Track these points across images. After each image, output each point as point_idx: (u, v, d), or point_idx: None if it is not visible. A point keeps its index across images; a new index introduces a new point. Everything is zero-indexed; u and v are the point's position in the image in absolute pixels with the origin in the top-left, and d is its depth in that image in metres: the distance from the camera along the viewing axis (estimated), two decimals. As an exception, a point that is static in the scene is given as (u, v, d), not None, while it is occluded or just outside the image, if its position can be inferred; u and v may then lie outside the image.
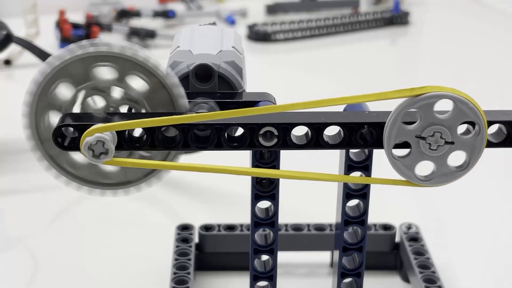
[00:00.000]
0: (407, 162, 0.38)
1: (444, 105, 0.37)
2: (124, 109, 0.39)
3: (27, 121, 0.38)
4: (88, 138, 0.36)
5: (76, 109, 0.39)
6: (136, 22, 1.29)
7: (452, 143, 0.37)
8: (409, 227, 0.56)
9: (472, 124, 0.38)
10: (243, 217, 0.54)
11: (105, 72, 0.38)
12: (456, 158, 0.38)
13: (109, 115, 0.38)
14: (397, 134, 0.37)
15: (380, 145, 0.38)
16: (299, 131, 0.38)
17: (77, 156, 0.39)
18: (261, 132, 0.38)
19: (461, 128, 0.38)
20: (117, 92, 0.39)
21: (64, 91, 0.38)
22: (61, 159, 0.39)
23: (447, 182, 0.38)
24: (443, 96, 0.36)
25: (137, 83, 0.38)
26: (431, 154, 0.37)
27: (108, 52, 0.37)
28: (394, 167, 0.38)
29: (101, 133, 0.36)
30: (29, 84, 0.38)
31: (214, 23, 0.49)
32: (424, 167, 0.38)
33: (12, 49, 0.99)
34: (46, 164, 0.39)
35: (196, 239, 0.56)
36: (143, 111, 0.39)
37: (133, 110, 0.39)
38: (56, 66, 0.37)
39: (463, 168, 0.38)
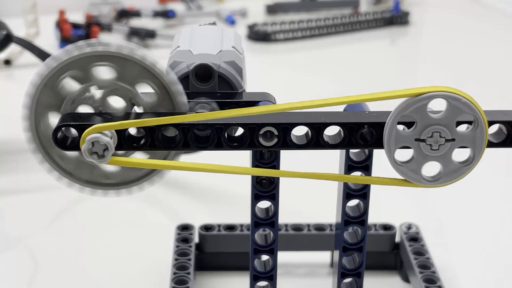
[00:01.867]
0: (412, 166, 0.38)
1: (438, 105, 0.37)
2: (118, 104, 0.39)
3: (27, 124, 0.38)
4: (88, 137, 0.36)
5: (78, 108, 0.39)
6: (136, 22, 1.29)
7: (453, 140, 0.37)
8: (409, 227, 0.56)
9: (470, 123, 0.38)
10: (243, 217, 0.54)
11: (104, 72, 0.38)
12: (460, 154, 0.38)
13: (109, 115, 0.38)
14: (396, 140, 0.37)
15: (380, 145, 0.38)
16: (299, 131, 0.38)
17: (76, 156, 0.39)
18: (261, 132, 0.38)
19: (461, 127, 0.38)
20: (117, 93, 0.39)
21: (64, 90, 0.38)
22: (62, 160, 0.39)
23: (456, 179, 0.38)
24: (434, 96, 0.36)
25: (145, 90, 0.38)
26: (434, 154, 0.37)
27: (106, 51, 0.37)
28: (400, 174, 0.38)
29: (101, 133, 0.36)
30: (29, 83, 0.38)
31: (214, 23, 0.49)
32: (431, 168, 0.38)
33: (12, 49, 0.99)
34: (48, 167, 0.39)
35: (196, 239, 0.56)
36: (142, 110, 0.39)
37: (133, 110, 0.39)
38: (53, 68, 0.37)
39: (469, 162, 0.38)
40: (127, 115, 0.38)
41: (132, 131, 0.38)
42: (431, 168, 0.39)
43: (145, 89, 0.38)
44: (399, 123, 0.37)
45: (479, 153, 0.38)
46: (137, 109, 0.39)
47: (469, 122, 0.38)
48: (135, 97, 0.38)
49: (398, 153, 0.38)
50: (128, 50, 0.37)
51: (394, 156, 0.38)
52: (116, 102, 0.39)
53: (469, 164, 0.38)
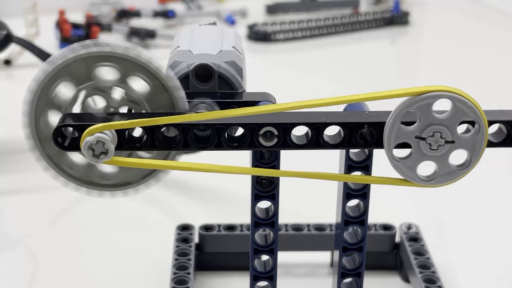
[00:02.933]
0: (408, 164, 0.38)
1: (442, 105, 0.37)
2: (124, 110, 0.39)
3: (27, 120, 0.38)
4: (88, 138, 0.36)
5: (77, 109, 0.39)
6: (136, 22, 1.29)
7: (452, 142, 0.37)
8: (409, 227, 0.56)
9: (472, 123, 0.38)
10: (243, 217, 0.54)
11: (107, 72, 0.38)
12: (458, 157, 0.38)
13: (109, 115, 0.38)
14: (397, 135, 0.37)
15: (380, 145, 0.38)
16: (299, 131, 0.38)
17: (76, 157, 0.39)
18: (261, 132, 0.38)
19: (461, 128, 0.38)
20: (117, 93, 0.39)
21: (65, 90, 0.38)
22: (60, 159, 0.39)
23: (450, 182, 0.38)
24: (442, 96, 0.36)
25: (138, 84, 0.38)
26: (432, 154, 0.38)
27: (111, 52, 0.37)
28: (396, 169, 0.38)
29: (101, 132, 0.36)
30: (30, 82, 0.38)
31: (214, 23, 0.49)
32: (426, 167, 0.38)
33: (12, 49, 0.99)
34: (44, 164, 0.39)
35: (196, 239, 0.56)
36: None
37: (133, 111, 0.39)
38: (58, 65, 0.37)
39: (465, 166, 0.38)
40: (127, 115, 0.38)
41: (133, 131, 0.38)
42: (427, 168, 0.39)
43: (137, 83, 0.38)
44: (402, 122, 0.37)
45: (476, 158, 0.38)
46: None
47: (471, 122, 0.38)
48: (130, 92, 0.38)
49: (397, 150, 0.38)
50: (135, 52, 0.37)
51: (392, 151, 0.38)
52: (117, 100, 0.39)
53: (465, 168, 0.38)
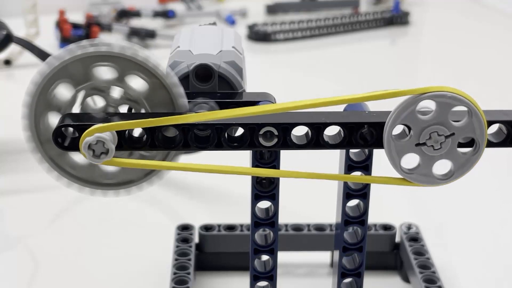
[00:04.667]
0: (422, 171, 0.38)
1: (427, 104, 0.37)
2: (123, 109, 0.39)
3: (27, 123, 0.38)
4: (88, 138, 0.36)
5: (76, 109, 0.39)
6: (136, 22, 1.29)
7: (452, 134, 0.37)
8: (409, 227, 0.56)
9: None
10: (243, 217, 0.54)
11: (105, 72, 0.38)
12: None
13: (109, 115, 0.38)
14: (398, 151, 0.37)
15: (380, 145, 0.38)
16: (299, 131, 0.38)
17: (77, 157, 0.39)
18: (261, 132, 0.38)
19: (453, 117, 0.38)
20: (116, 92, 0.39)
21: (63, 91, 0.38)
22: (62, 160, 0.39)
23: (469, 170, 0.38)
24: (442, 96, 0.36)
25: (137, 83, 0.38)
26: (439, 153, 0.37)
27: (108, 52, 0.37)
28: (413, 180, 0.38)
29: (101, 133, 0.36)
30: (29, 85, 0.38)
31: (214, 23, 0.49)
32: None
33: (12, 49, 0.99)
34: (47, 166, 0.39)
35: (196, 239, 0.56)
36: (143, 111, 0.39)
37: (133, 110, 0.39)
38: (55, 67, 0.37)
39: (476, 149, 0.38)
40: (127, 115, 0.38)
41: (132, 131, 0.38)
42: (441, 167, 0.39)
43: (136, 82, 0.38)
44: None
45: (482, 138, 0.38)
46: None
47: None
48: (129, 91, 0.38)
49: (404, 161, 0.38)
50: (132, 51, 0.37)
51: (401, 166, 0.38)
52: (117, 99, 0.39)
53: (477, 151, 0.38)
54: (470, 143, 0.38)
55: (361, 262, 0.45)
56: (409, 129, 0.37)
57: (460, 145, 0.38)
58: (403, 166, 0.38)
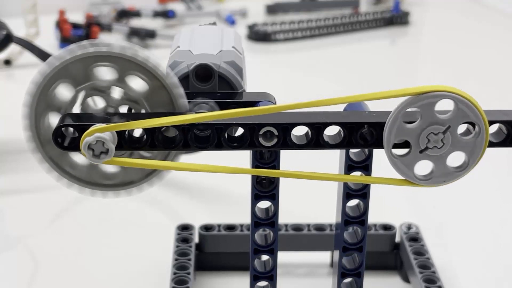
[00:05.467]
0: (406, 161, 0.38)
1: (444, 105, 0.37)
2: (124, 109, 0.39)
3: (27, 123, 0.38)
4: (88, 138, 0.36)
5: (76, 109, 0.39)
6: (136, 22, 1.29)
7: (448, 127, 0.37)
8: (409, 227, 0.56)
9: (473, 124, 0.38)
10: (243, 217, 0.54)
11: (105, 72, 0.38)
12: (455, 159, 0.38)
13: (109, 115, 0.38)
14: (397, 132, 0.37)
15: (380, 145, 0.38)
16: (299, 131, 0.38)
17: (77, 157, 0.39)
18: (261, 132, 0.38)
19: (462, 129, 0.38)
20: (117, 93, 0.39)
21: (64, 91, 0.38)
22: (62, 160, 0.39)
23: (446, 183, 0.38)
24: (442, 96, 0.36)
25: (137, 84, 0.38)
26: (431, 153, 0.37)
27: (109, 52, 0.37)
28: (393, 166, 0.38)
29: (101, 133, 0.36)
30: (29, 85, 0.38)
31: (214, 23, 0.49)
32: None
33: (12, 49, 0.99)
34: (47, 167, 0.39)
35: (196, 239, 0.56)
36: (143, 111, 0.39)
37: (133, 111, 0.39)
38: (56, 67, 0.37)
39: (462, 168, 0.38)
40: (127, 115, 0.38)
41: (133, 131, 0.38)
42: (424, 168, 0.39)
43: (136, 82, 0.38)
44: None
45: (474, 161, 0.38)
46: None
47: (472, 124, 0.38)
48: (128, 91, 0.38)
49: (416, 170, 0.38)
50: (132, 52, 0.37)
51: (391, 148, 0.38)
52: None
53: (462, 170, 0.38)
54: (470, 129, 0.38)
55: (361, 262, 0.45)
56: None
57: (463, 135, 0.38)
58: (418, 174, 0.38)
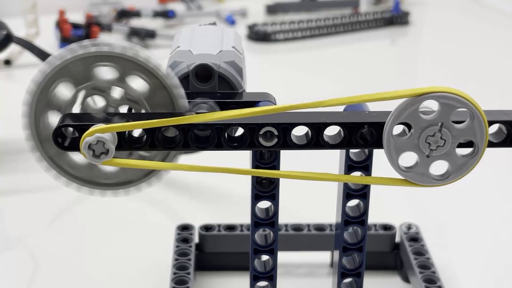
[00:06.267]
0: (419, 170, 0.38)
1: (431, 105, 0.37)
2: (124, 109, 0.39)
3: (27, 121, 0.38)
4: (88, 138, 0.36)
5: (76, 109, 0.39)
6: (136, 22, 1.29)
7: (442, 124, 0.37)
8: (409, 227, 0.56)
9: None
10: (243, 217, 0.54)
11: (105, 72, 0.38)
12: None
13: (109, 115, 0.38)
14: (397, 149, 0.37)
15: (380, 145, 0.38)
16: (299, 131, 0.38)
17: (76, 157, 0.39)
18: (261, 132, 0.38)
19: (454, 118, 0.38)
20: (117, 92, 0.39)
21: (64, 91, 0.38)
22: (61, 159, 0.39)
23: (465, 173, 0.38)
24: (442, 97, 0.36)
25: (138, 84, 0.38)
26: (438, 153, 0.37)
27: (109, 52, 0.37)
28: (409, 179, 0.38)
29: (101, 133, 0.36)
30: (29, 83, 0.38)
31: (214, 23, 0.49)
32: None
33: (12, 49, 0.99)
34: (46, 165, 0.39)
35: (196, 239, 0.56)
36: (143, 111, 0.39)
37: (133, 111, 0.39)
38: (56, 66, 0.37)
39: (475, 153, 0.38)
40: (127, 115, 0.38)
41: (132, 131, 0.38)
42: (438, 168, 0.39)
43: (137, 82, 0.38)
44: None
45: (482, 142, 0.38)
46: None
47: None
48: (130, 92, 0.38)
49: (401, 158, 0.38)
50: (133, 52, 0.37)
51: (398, 163, 0.38)
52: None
53: (475, 155, 0.38)
54: (470, 144, 0.38)
55: (361, 262, 0.45)
56: (409, 128, 0.37)
57: (460, 145, 0.38)
58: (401, 164, 0.38)
